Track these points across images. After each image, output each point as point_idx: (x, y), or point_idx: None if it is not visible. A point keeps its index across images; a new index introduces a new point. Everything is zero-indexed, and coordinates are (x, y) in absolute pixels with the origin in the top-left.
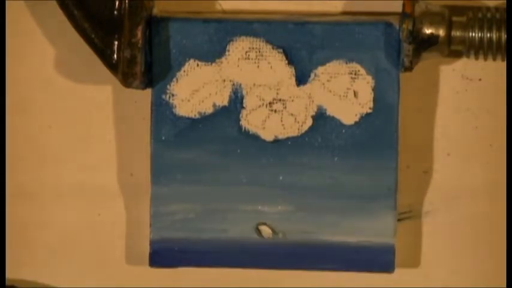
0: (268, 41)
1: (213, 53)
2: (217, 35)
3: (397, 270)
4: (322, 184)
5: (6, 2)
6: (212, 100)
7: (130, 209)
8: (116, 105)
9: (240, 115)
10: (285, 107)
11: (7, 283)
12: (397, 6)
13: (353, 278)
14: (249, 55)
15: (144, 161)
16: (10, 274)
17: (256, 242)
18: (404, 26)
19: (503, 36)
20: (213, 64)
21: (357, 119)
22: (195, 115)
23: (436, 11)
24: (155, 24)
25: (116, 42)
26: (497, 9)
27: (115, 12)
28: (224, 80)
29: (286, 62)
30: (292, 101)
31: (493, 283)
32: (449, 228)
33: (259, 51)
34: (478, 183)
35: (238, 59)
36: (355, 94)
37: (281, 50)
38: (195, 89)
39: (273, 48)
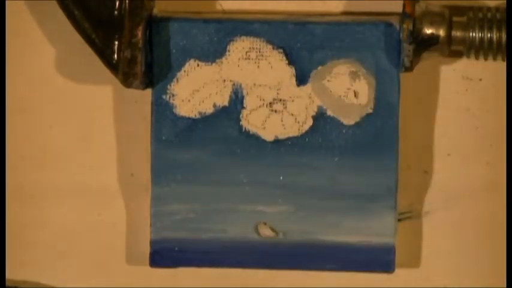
0: (268, 41)
1: (213, 53)
2: (217, 35)
3: (397, 270)
4: (323, 184)
5: (6, 2)
6: (212, 100)
7: (130, 209)
8: (116, 105)
9: (241, 115)
10: (285, 107)
11: (7, 284)
12: (397, 6)
13: (353, 278)
14: (249, 55)
15: (145, 161)
16: (10, 274)
17: (256, 242)
18: (404, 26)
19: (504, 36)
20: (214, 64)
21: (357, 119)
22: (195, 115)
23: (436, 11)
24: (155, 24)
25: (116, 42)
26: (498, 9)
27: (115, 12)
28: (224, 80)
29: (287, 62)
30: (293, 101)
31: (493, 283)
32: (449, 228)
33: (260, 51)
34: (478, 183)
35: (239, 59)
36: (356, 94)
37: (281, 50)
38: (195, 89)
39: (273, 48)
